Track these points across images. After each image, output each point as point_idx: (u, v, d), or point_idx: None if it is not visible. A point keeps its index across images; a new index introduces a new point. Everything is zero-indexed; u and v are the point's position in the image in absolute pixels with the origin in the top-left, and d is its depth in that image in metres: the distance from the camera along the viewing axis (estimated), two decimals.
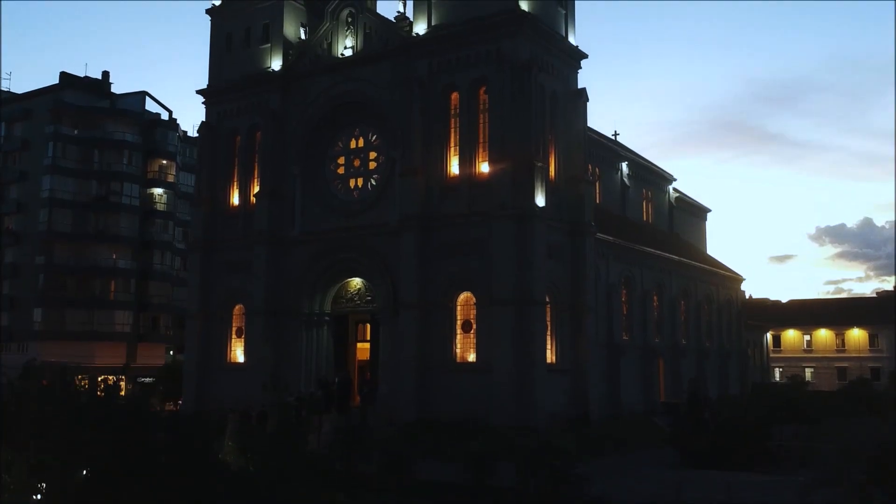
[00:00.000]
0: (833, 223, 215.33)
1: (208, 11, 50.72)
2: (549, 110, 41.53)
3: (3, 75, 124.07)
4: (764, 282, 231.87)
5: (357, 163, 45.50)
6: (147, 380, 78.36)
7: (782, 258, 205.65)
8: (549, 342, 39.62)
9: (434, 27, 42.04)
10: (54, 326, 73.77)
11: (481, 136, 40.60)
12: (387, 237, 42.22)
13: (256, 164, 48.08)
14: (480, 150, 40.54)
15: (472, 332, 39.31)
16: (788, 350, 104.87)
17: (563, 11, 43.47)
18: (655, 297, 52.56)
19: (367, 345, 46.10)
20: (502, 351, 37.61)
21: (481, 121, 40.72)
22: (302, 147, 46.18)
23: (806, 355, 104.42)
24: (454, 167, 41.20)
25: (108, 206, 77.21)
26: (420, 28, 42.37)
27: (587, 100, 43.70)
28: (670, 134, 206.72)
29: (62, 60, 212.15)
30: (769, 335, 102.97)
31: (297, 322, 44.83)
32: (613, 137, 69.84)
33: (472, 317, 39.45)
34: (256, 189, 47.58)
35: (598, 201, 54.02)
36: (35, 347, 72.84)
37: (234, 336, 47.56)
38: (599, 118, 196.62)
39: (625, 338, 48.18)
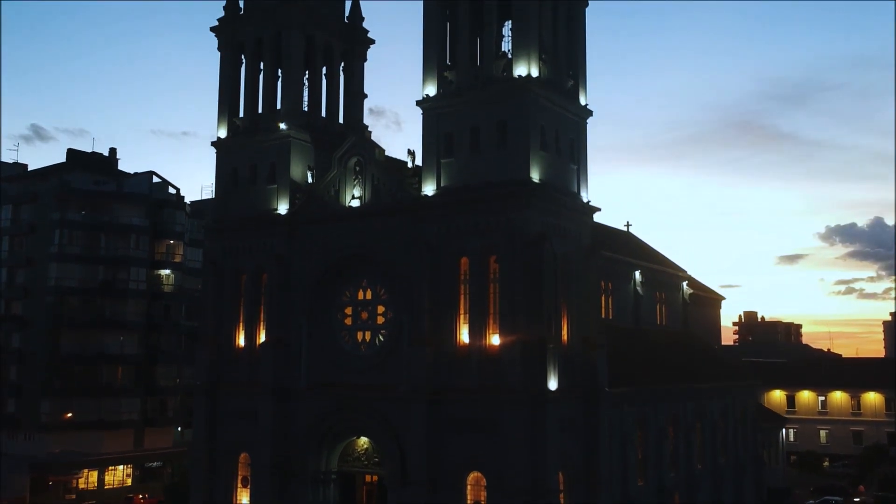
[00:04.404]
0: (843, 222, 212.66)
1: (214, 144, 49.69)
2: (562, 274, 40.36)
3: (10, 147, 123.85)
4: (773, 291, 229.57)
5: (365, 315, 44.42)
6: (154, 464, 78.22)
7: (792, 258, 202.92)
8: None
9: (444, 189, 40.90)
10: (61, 417, 73.07)
11: (492, 305, 39.49)
12: (395, 402, 41.17)
13: (262, 306, 47.04)
14: (491, 320, 39.45)
15: None
16: (803, 411, 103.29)
17: (575, 167, 42.26)
18: (671, 430, 51.33)
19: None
20: None
21: (492, 290, 39.60)
22: (308, 295, 45.12)
23: (821, 417, 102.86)
24: (464, 336, 40.11)
25: (115, 291, 76.49)
26: (429, 188, 41.21)
27: (600, 257, 42.66)
28: (682, 133, 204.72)
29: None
30: (782, 394, 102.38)
31: (304, 478, 43.81)
32: (626, 229, 68.84)
33: (482, 499, 38.39)
34: (262, 332, 46.57)
35: (610, 317, 53.13)
36: (42, 439, 72.38)
37: (239, 485, 46.61)
38: (604, 124, 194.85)
39: (640, 483, 47.02)
